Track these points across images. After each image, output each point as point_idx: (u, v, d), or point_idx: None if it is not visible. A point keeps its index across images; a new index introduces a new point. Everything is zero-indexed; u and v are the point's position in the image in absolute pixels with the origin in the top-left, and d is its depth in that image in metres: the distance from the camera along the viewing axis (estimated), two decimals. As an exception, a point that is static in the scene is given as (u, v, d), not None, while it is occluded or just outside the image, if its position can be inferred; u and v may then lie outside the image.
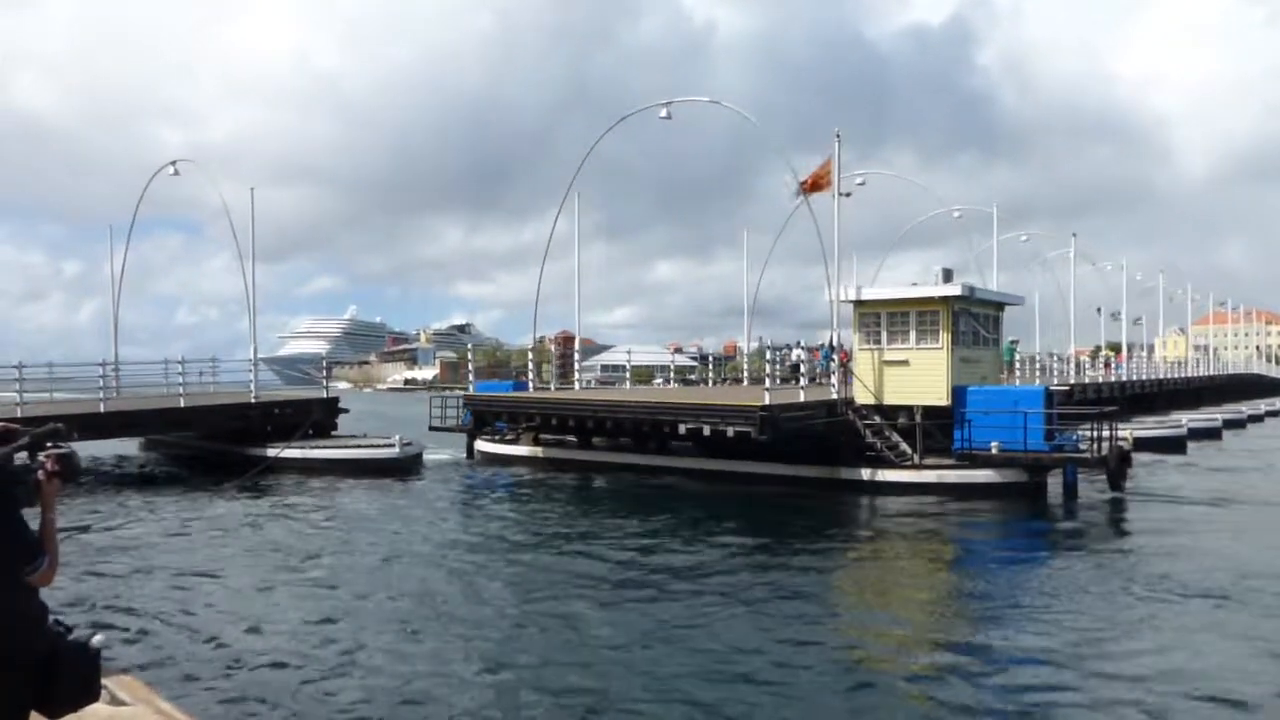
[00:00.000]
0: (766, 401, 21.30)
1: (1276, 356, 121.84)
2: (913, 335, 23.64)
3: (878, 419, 23.57)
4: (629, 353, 41.03)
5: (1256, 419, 54.22)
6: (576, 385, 32.99)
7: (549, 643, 10.56)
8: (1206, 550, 16.34)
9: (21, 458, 3.11)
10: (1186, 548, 16.54)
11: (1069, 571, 14.97)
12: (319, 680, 9.28)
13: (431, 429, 32.76)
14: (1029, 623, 11.62)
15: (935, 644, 10.80)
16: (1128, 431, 31.24)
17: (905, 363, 23.68)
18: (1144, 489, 23.72)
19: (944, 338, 23.22)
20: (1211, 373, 76.43)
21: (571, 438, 28.09)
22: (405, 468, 27.27)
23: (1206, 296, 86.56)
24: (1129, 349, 67.62)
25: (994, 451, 22.16)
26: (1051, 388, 24.23)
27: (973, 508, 20.90)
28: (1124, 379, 49.87)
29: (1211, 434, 42.90)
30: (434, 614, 11.90)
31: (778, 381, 30.36)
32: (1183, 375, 65.05)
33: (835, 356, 24.49)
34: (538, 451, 28.94)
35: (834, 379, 24.33)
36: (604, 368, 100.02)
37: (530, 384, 30.08)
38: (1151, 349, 78.70)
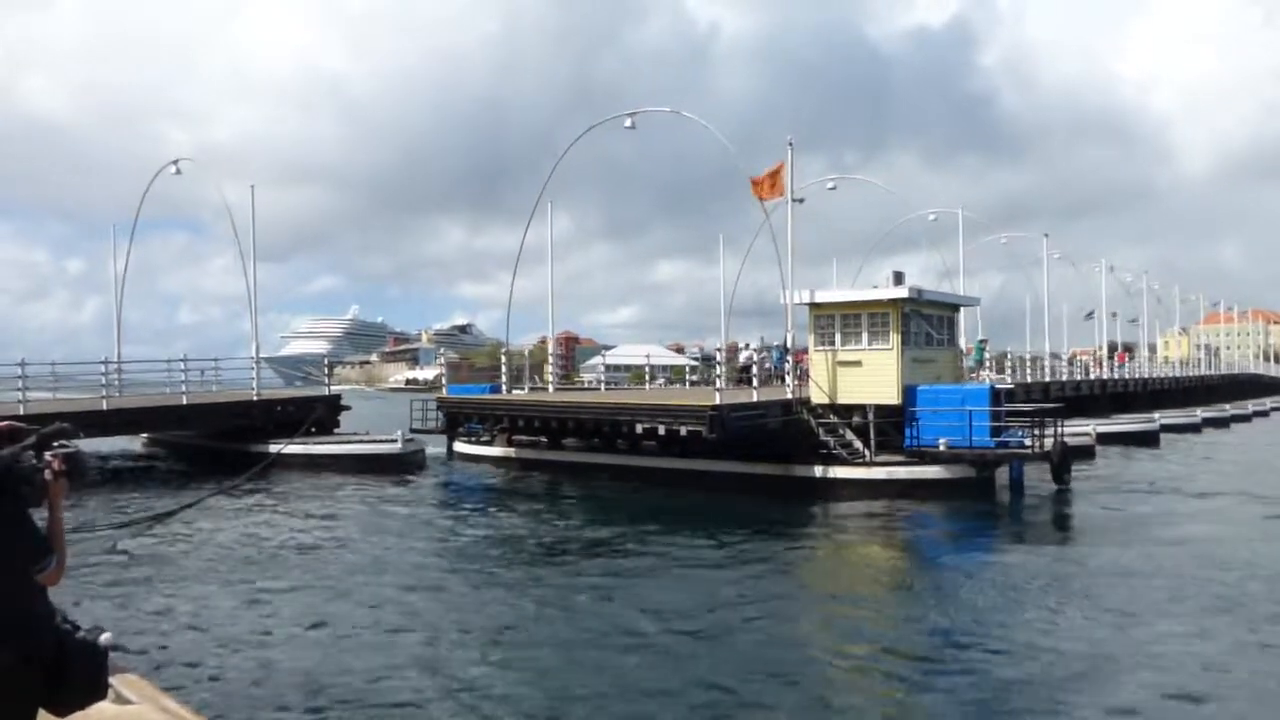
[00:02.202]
0: (717, 401, 22.01)
1: (1277, 355, 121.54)
2: (865, 336, 24.32)
3: (833, 418, 24.27)
4: (603, 355, 41.80)
5: (1242, 418, 54.54)
6: (550, 388, 33.81)
7: (551, 640, 10.82)
8: (1132, 540, 17.00)
9: (28, 457, 3.10)
10: (1110, 540, 17.20)
11: (995, 559, 15.86)
12: (324, 678, 9.38)
13: (413, 431, 33.52)
14: (954, 609, 12.31)
15: (879, 634, 11.37)
16: (1090, 427, 32.05)
17: (858, 363, 24.35)
18: (1093, 483, 24.38)
19: (894, 339, 23.89)
20: (1207, 372, 76.57)
21: (543, 439, 28.86)
22: (408, 463, 27.58)
23: (1199, 297, 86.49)
24: (1129, 350, 68.34)
25: (942, 448, 22.84)
26: (998, 386, 24.85)
27: (920, 502, 21.63)
28: (1104, 378, 50.27)
29: (1191, 429, 43.48)
30: (437, 611, 12.17)
31: (756, 382, 31.05)
32: (1171, 375, 65.32)
33: (789, 357, 25.19)
34: (511, 452, 29.73)
35: (789, 379, 25.04)
36: (607, 368, 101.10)
37: (503, 386, 30.88)
38: (1153, 349, 79.20)
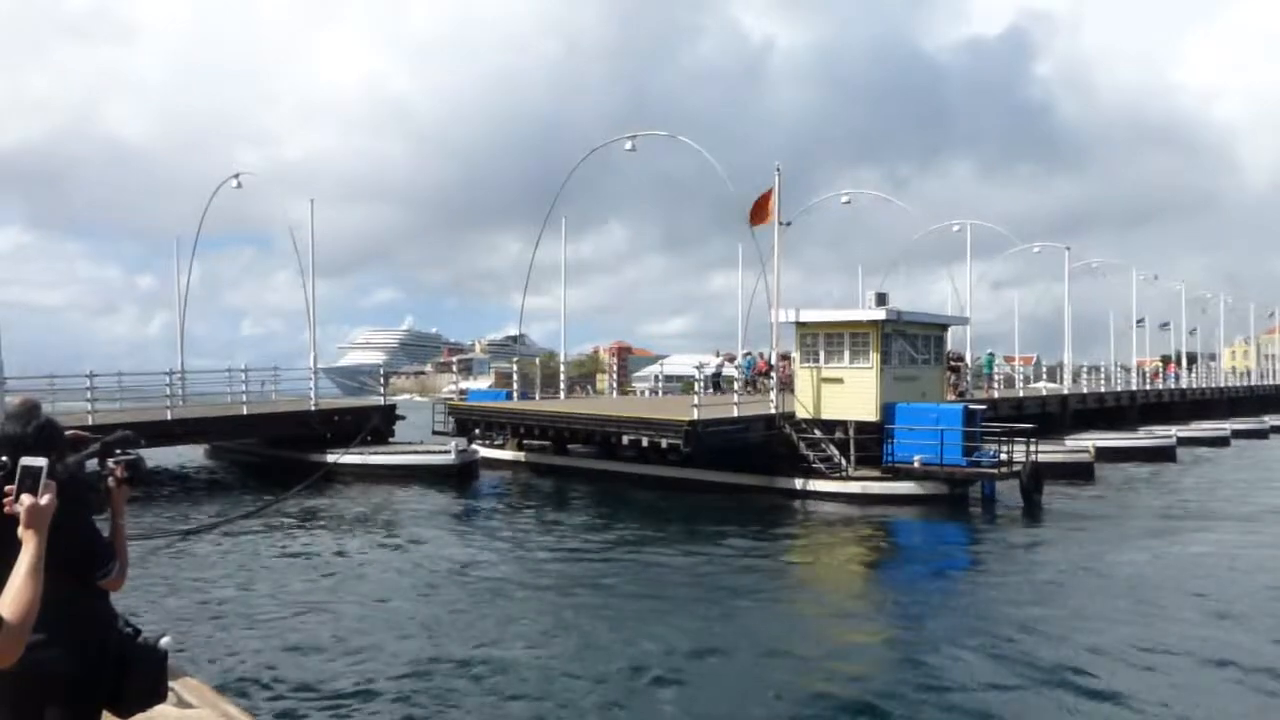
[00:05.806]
0: (694, 416, 23.16)
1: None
2: (847, 355, 25.29)
3: (817, 432, 25.27)
4: (611, 364, 43.29)
5: (1281, 431, 53.20)
6: (562, 395, 35.32)
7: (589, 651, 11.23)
8: (1089, 566, 17.31)
9: (92, 465, 3.19)
10: (1069, 560, 17.62)
11: (945, 574, 17.05)
12: (379, 685, 9.69)
13: (435, 434, 35.33)
14: (899, 616, 13.43)
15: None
16: (1089, 443, 32.19)
17: (840, 380, 25.33)
18: (1061, 504, 24.78)
19: (874, 358, 24.81)
20: (1260, 383, 74.35)
21: (548, 445, 30.38)
22: (462, 474, 28.03)
23: (1250, 306, 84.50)
24: (1178, 360, 67.20)
25: (916, 465, 23.72)
26: (971, 405, 25.49)
27: (891, 516, 22.48)
28: (1132, 390, 49.76)
29: (1218, 443, 42.64)
30: (485, 616, 12.64)
31: (737, 395, 32.06)
32: (1215, 385, 63.83)
33: (760, 365, 26.24)
34: (521, 456, 31.36)
35: (772, 394, 26.09)
36: (656, 378, 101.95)
37: (514, 394, 32.46)
38: (1212, 358, 77.64)
